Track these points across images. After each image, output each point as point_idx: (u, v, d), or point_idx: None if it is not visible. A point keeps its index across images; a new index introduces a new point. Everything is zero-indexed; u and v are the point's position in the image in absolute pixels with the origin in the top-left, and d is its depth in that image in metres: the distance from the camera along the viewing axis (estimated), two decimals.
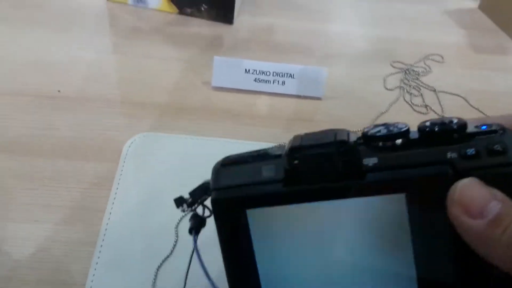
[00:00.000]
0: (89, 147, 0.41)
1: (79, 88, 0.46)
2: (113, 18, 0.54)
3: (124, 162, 0.40)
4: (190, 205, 0.30)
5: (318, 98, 0.48)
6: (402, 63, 0.55)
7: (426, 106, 0.49)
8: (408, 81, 0.52)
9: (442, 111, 0.49)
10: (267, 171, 0.27)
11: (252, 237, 0.27)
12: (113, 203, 0.37)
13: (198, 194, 0.30)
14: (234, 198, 0.27)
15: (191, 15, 0.57)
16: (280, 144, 0.30)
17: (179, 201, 0.30)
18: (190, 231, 0.30)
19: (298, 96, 0.48)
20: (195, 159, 0.40)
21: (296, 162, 0.26)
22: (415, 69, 0.54)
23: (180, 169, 0.40)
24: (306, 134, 0.27)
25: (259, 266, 0.28)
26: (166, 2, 0.56)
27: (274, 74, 0.48)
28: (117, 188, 0.38)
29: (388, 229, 0.26)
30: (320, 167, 0.26)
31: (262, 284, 0.28)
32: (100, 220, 0.35)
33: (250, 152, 0.28)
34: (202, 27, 0.56)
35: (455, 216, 0.22)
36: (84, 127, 0.43)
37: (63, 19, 0.52)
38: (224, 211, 0.27)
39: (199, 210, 0.30)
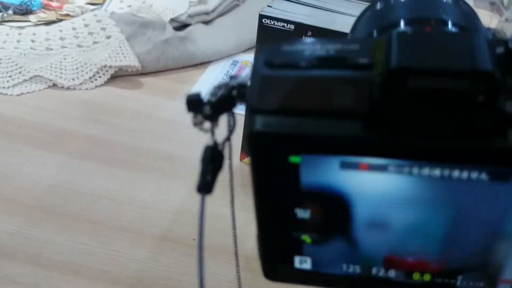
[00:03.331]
0: None
1: (210, 239, 0.52)
2: (245, 178, 0.61)
3: None
4: (209, 117, 0.21)
5: None
6: None
7: None
8: None
9: None
10: (341, 96, 0.17)
11: (303, 189, 0.20)
12: None
13: (225, 103, 0.21)
14: (285, 136, 0.18)
15: None
16: (366, 38, 0.20)
17: (194, 103, 0.21)
18: (201, 190, 0.22)
19: None
20: None
21: (398, 91, 0.16)
22: None
23: None
24: (416, 35, 0.18)
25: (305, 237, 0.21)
26: None
27: None
28: None
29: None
30: (441, 110, 0.16)
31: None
32: None
33: (313, 43, 0.19)
34: None
35: None
36: (212, 277, 0.48)
37: None
38: (269, 151, 0.19)
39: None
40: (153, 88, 0.74)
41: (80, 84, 0.72)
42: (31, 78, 0.71)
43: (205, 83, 0.77)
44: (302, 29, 0.50)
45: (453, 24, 0.24)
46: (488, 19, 1.05)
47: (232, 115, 0.22)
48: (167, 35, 0.77)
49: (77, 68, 0.72)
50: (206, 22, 0.85)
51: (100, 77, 0.73)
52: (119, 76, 0.74)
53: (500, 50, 0.17)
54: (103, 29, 0.76)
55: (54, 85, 0.72)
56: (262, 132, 0.18)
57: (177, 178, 0.59)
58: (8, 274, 0.46)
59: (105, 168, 0.60)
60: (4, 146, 0.61)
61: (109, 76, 0.73)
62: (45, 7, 0.85)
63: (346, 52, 0.18)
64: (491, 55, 0.16)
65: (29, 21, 0.81)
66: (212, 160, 0.22)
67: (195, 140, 0.66)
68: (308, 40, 0.19)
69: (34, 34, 0.77)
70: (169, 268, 0.48)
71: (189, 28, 0.82)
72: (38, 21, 0.81)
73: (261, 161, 0.20)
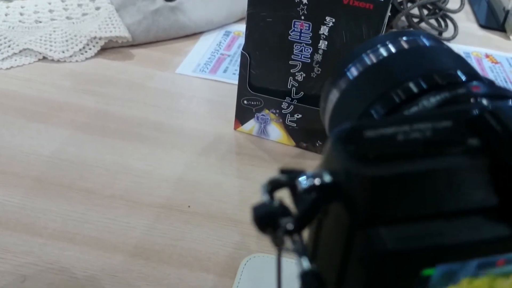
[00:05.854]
0: (210, 260, 0.46)
1: (206, 205, 0.52)
2: (239, 147, 0.61)
3: (240, 278, 0.44)
4: (293, 233, 0.17)
5: None
6: None
7: None
8: None
9: None
10: (466, 190, 0.15)
11: None
12: None
13: (312, 212, 0.17)
14: (422, 250, 0.15)
15: (306, 149, 0.63)
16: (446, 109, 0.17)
17: (268, 218, 0.17)
18: None
19: None
20: None
21: None
22: None
23: None
24: None
25: None
26: (285, 135, 0.63)
27: None
28: None
29: None
30: None
31: None
32: None
33: (398, 124, 0.16)
34: (315, 160, 0.61)
35: None
36: (208, 241, 0.48)
37: (197, 145, 0.60)
38: (399, 271, 0.15)
39: None
40: (144, 59, 0.73)
41: (70, 56, 0.71)
42: (20, 51, 0.70)
43: (198, 54, 0.76)
44: None
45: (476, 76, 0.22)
46: None
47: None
48: (157, 5, 0.76)
49: (66, 41, 0.71)
50: None
51: (90, 49, 0.72)
52: (109, 48, 0.73)
53: None
54: (92, 0, 0.75)
55: (44, 58, 0.71)
56: (394, 251, 0.15)
57: (171, 147, 0.59)
58: (1, 243, 0.46)
59: (99, 138, 0.59)
60: None
61: (99, 48, 0.72)
62: None
63: (445, 132, 0.15)
64: None
65: None
66: None
67: (188, 110, 0.65)
68: (389, 120, 0.16)
69: (22, 7, 0.76)
70: (164, 234, 0.48)
71: None
72: None
73: (387, 283, 0.16)
